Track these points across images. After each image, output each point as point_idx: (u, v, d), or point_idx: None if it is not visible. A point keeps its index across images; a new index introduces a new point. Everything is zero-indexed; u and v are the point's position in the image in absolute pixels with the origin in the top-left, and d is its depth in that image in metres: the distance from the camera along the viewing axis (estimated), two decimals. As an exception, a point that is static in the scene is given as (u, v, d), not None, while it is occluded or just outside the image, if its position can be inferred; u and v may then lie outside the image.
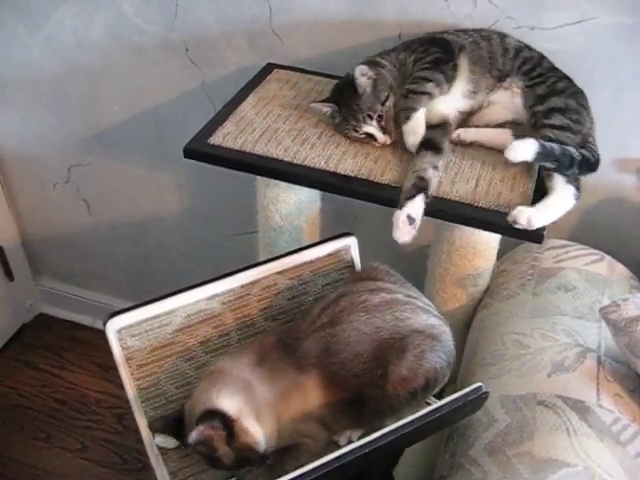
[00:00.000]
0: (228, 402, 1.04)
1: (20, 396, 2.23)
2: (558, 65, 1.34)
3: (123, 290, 2.38)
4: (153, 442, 1.14)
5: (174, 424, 1.11)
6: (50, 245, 2.38)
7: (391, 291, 1.17)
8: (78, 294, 2.46)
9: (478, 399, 1.02)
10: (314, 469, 0.91)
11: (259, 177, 1.38)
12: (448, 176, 1.28)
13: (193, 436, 1.00)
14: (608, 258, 1.46)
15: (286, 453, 1.07)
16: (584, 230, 1.63)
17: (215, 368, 1.13)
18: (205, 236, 2.11)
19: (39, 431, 2.13)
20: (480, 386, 1.02)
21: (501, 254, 1.47)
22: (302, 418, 1.08)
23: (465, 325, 1.45)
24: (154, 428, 1.12)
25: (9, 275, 2.35)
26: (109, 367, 2.12)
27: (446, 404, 0.99)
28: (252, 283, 1.23)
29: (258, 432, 1.04)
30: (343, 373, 1.08)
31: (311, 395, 1.09)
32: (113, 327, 1.14)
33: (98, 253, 2.32)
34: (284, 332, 1.18)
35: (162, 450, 1.14)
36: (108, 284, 2.40)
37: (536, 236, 1.20)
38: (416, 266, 1.53)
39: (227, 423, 1.03)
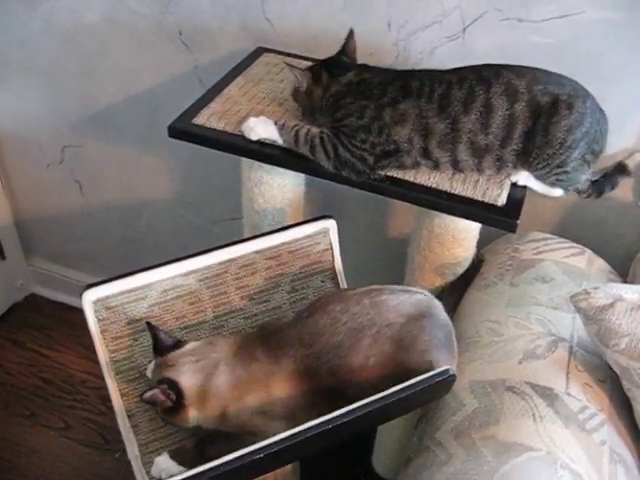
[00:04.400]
0: (188, 380, 1.09)
1: (6, 374, 2.24)
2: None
3: (113, 273, 2.32)
4: (125, 414, 1.15)
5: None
6: (42, 225, 2.39)
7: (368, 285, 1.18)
8: (69, 275, 2.47)
9: (444, 382, 1.02)
10: (274, 442, 0.91)
11: (243, 159, 1.39)
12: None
13: (148, 395, 1.06)
14: (589, 252, 1.46)
15: (218, 438, 1.09)
16: (568, 225, 1.63)
17: (205, 341, 1.16)
18: (195, 221, 2.12)
19: (23, 409, 2.14)
20: (447, 369, 1.01)
21: (483, 245, 1.48)
22: (260, 411, 1.07)
23: (443, 314, 1.45)
24: None
25: (1, 254, 2.36)
26: (96, 349, 2.15)
27: (411, 385, 0.98)
28: (230, 261, 1.23)
29: (194, 418, 1.09)
30: (317, 365, 1.07)
31: (277, 387, 1.07)
32: (89, 298, 1.16)
33: (90, 235, 2.33)
34: (268, 323, 1.20)
35: (133, 422, 1.15)
36: (99, 266, 2.41)
37: (509, 225, 1.20)
38: (398, 253, 1.54)
39: (178, 400, 1.08)
